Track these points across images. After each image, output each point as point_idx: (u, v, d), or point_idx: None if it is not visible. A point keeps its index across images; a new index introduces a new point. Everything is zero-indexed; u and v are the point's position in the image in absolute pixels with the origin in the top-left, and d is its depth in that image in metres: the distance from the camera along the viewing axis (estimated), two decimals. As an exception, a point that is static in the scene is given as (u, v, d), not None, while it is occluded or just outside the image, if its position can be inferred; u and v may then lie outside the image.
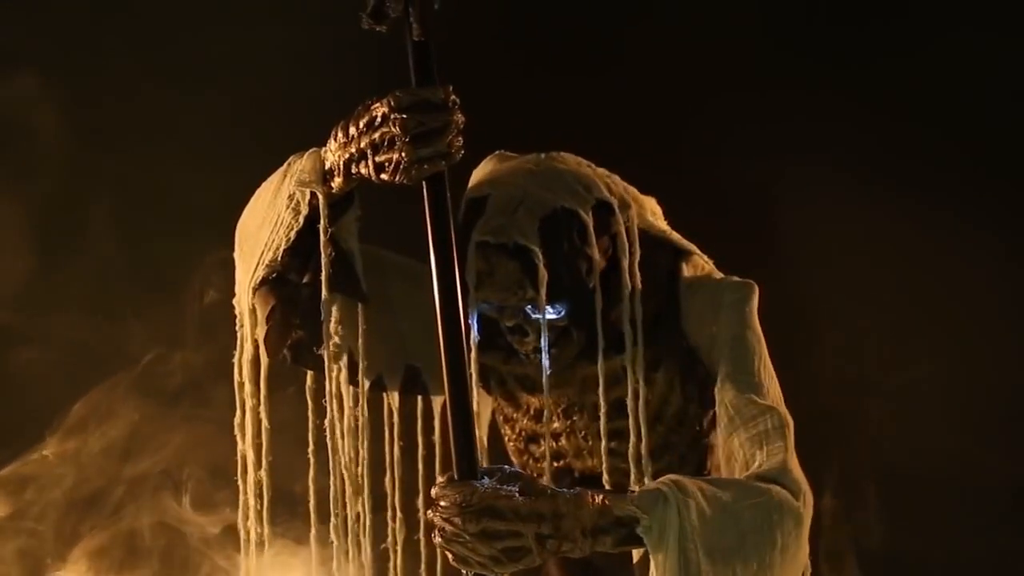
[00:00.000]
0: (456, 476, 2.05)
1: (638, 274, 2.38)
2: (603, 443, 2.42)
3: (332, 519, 2.38)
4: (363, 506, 2.42)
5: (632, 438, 2.38)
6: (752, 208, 3.45)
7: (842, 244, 3.44)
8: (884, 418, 3.47)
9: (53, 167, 3.37)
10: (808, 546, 2.28)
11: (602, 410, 2.39)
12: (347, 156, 2.12)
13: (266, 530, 2.38)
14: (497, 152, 2.46)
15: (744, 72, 3.45)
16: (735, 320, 2.39)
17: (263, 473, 2.37)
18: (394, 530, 2.53)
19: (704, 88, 3.45)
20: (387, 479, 2.52)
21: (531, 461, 2.60)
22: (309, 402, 2.40)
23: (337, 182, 2.17)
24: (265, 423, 2.36)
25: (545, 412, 2.44)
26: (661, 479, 2.11)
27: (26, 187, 3.36)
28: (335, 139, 2.15)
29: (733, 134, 3.44)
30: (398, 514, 2.52)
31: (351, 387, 2.40)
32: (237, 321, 2.38)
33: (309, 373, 2.41)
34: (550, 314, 2.34)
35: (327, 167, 2.19)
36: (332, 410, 2.34)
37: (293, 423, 2.42)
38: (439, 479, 2.06)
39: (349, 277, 2.30)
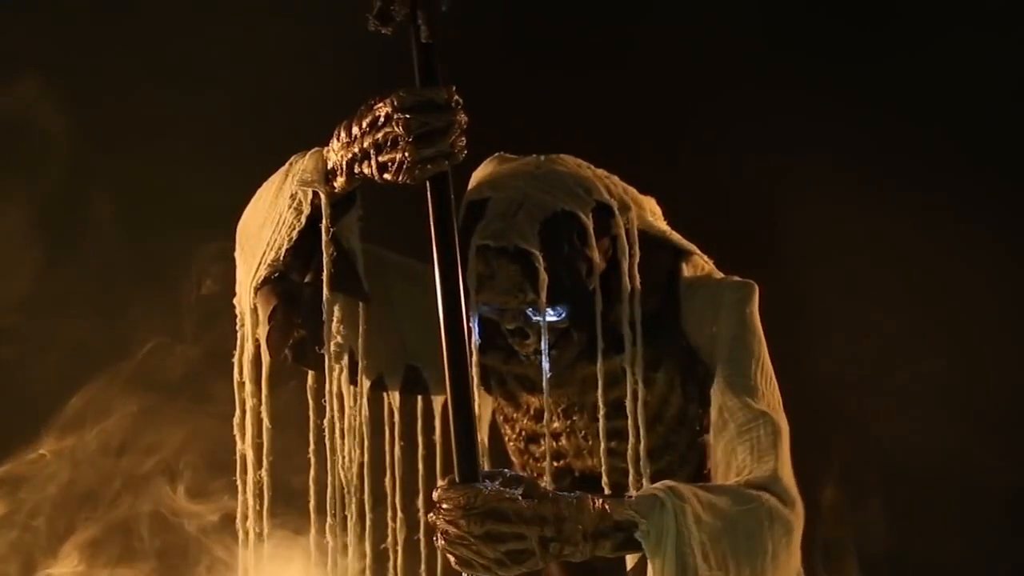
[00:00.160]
0: (457, 479, 2.05)
1: (637, 276, 2.39)
2: (602, 443, 2.43)
3: (329, 519, 2.39)
4: (358, 506, 2.42)
5: (631, 439, 2.39)
6: (752, 207, 3.45)
7: (842, 244, 3.44)
8: (884, 418, 3.47)
9: (54, 166, 3.37)
10: (800, 553, 2.31)
11: (601, 411, 2.40)
12: (350, 156, 2.13)
13: (266, 529, 2.38)
14: (497, 154, 2.46)
15: (744, 71, 3.45)
16: (734, 321, 2.40)
17: (263, 473, 2.37)
18: (394, 530, 2.53)
19: (704, 88, 3.44)
20: (387, 479, 2.52)
21: (531, 461, 2.60)
22: (310, 401, 2.41)
23: (339, 182, 2.18)
24: (266, 423, 2.36)
25: (545, 412, 2.44)
26: (657, 484, 2.14)
27: (26, 185, 3.35)
28: (338, 139, 2.16)
29: (733, 133, 3.44)
30: (398, 514, 2.52)
31: (351, 386, 2.41)
32: (238, 320, 2.38)
33: (310, 372, 2.41)
34: (550, 316, 2.35)
35: (329, 167, 2.19)
36: (332, 409, 2.34)
37: (294, 415, 2.43)
38: (440, 482, 2.07)
39: (351, 277, 2.30)
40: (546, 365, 2.36)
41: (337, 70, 3.35)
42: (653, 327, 2.41)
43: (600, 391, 2.39)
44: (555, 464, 2.55)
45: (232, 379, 2.39)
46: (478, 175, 2.42)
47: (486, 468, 2.46)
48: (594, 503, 2.07)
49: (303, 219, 2.23)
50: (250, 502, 2.37)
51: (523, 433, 2.60)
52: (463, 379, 2.07)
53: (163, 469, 3.20)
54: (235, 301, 2.39)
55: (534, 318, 2.35)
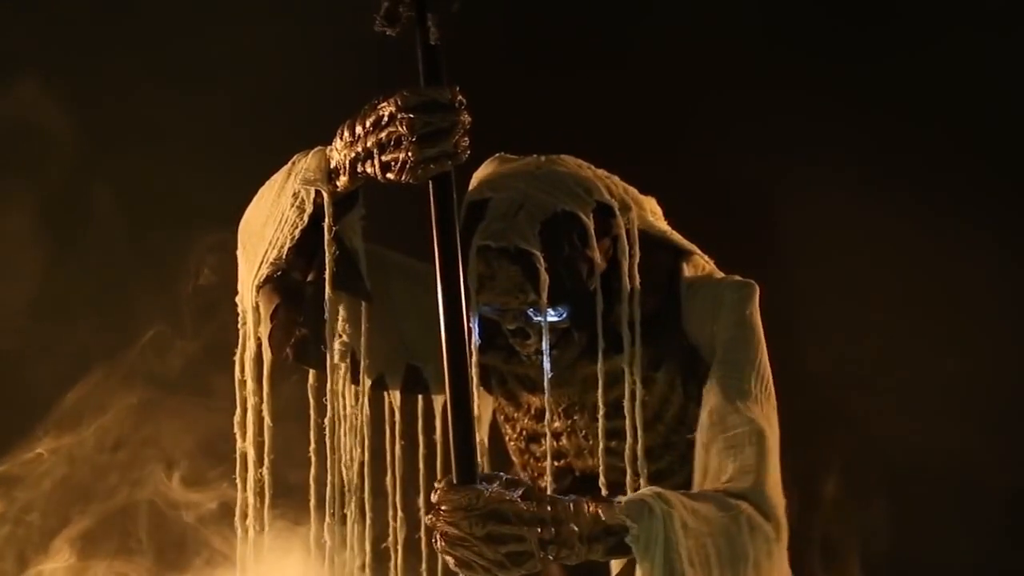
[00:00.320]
0: (455, 480, 2.06)
1: (637, 276, 2.39)
2: (601, 443, 2.43)
3: (328, 519, 2.39)
4: (358, 504, 2.42)
5: (628, 439, 2.39)
6: (752, 207, 3.45)
7: (842, 243, 3.44)
8: (884, 417, 3.47)
9: (54, 165, 3.37)
10: (786, 563, 2.31)
11: (600, 411, 2.40)
12: (353, 155, 2.13)
13: (266, 527, 2.38)
14: (497, 154, 2.47)
15: (744, 71, 3.45)
16: (734, 321, 2.40)
17: (264, 471, 2.37)
18: (395, 529, 2.53)
19: (704, 88, 3.44)
20: (388, 478, 2.52)
21: (532, 460, 2.61)
22: (311, 400, 2.41)
23: (342, 181, 2.18)
24: (267, 421, 2.36)
25: (546, 412, 2.44)
26: (644, 490, 2.18)
27: (26, 185, 3.36)
28: (341, 138, 2.16)
29: (733, 133, 3.44)
30: (399, 513, 2.52)
31: (352, 385, 2.41)
32: (240, 318, 2.38)
33: (311, 371, 2.41)
34: (551, 317, 2.35)
35: (332, 166, 2.19)
36: (333, 408, 2.35)
37: (294, 408, 2.43)
38: (437, 484, 2.07)
39: (353, 276, 2.30)
40: (547, 365, 2.36)
41: (337, 70, 3.35)
42: (654, 327, 2.41)
43: (600, 391, 2.39)
44: (555, 464, 2.56)
45: (229, 369, 2.39)
46: (479, 175, 2.43)
47: (486, 468, 2.49)
48: (588, 507, 2.09)
49: (306, 218, 2.23)
50: (250, 500, 2.38)
51: (524, 433, 2.60)
52: (462, 380, 2.07)
53: (161, 459, 3.19)
54: (237, 299, 2.39)
55: (535, 318, 2.36)
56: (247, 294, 2.34)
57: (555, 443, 2.55)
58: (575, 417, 2.53)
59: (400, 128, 2.03)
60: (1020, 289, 3.41)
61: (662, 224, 2.51)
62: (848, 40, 3.44)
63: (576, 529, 2.07)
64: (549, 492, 2.44)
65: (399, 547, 2.52)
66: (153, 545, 3.27)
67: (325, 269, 2.25)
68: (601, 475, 2.43)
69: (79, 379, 3.27)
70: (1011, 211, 3.40)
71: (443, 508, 2.03)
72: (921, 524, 3.43)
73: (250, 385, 2.36)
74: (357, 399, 2.43)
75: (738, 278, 2.47)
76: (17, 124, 3.33)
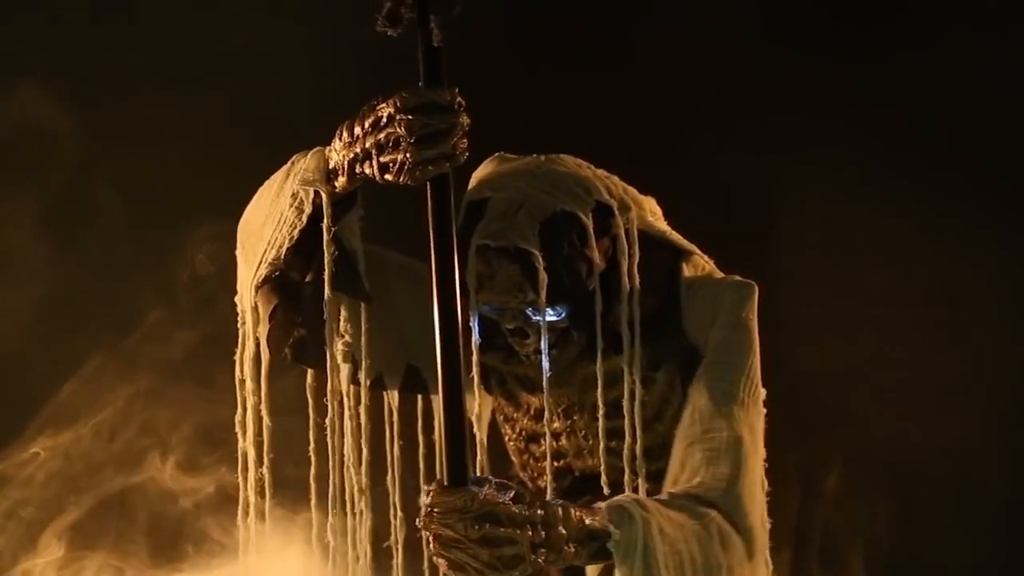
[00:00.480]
0: (447, 483, 2.06)
1: (637, 276, 2.39)
2: (601, 443, 2.43)
3: (330, 519, 2.40)
4: (357, 504, 2.42)
5: (627, 438, 2.40)
6: (752, 207, 3.45)
7: (842, 243, 3.44)
8: (884, 417, 3.47)
9: (55, 165, 3.37)
10: (763, 571, 2.32)
11: (600, 410, 2.40)
12: (352, 156, 2.13)
13: (267, 523, 2.39)
14: (497, 154, 2.47)
15: (744, 71, 3.45)
16: (729, 321, 2.41)
17: (265, 470, 2.38)
18: (395, 528, 2.53)
19: (704, 88, 3.44)
20: (388, 477, 2.52)
21: (531, 461, 2.61)
22: (310, 400, 2.41)
23: (341, 181, 2.18)
24: (267, 421, 2.37)
25: (546, 412, 2.44)
26: (622, 496, 2.20)
27: (27, 184, 3.36)
28: (340, 138, 2.16)
29: (733, 133, 3.44)
30: (399, 512, 2.52)
31: (351, 385, 2.41)
32: (239, 318, 2.38)
33: (310, 371, 2.41)
34: (550, 316, 2.35)
35: (331, 166, 2.19)
36: (333, 409, 2.35)
37: (295, 401, 2.43)
38: (427, 487, 2.07)
39: (352, 276, 2.31)
40: (546, 364, 2.36)
41: (337, 70, 3.35)
42: (654, 327, 2.41)
43: (600, 391, 2.39)
44: (555, 464, 2.56)
45: (226, 359, 2.40)
46: (478, 175, 2.43)
47: (486, 468, 2.49)
48: (574, 511, 2.10)
49: (304, 218, 2.23)
50: (251, 499, 2.38)
51: (523, 433, 2.60)
52: (455, 383, 2.07)
53: (158, 449, 3.19)
54: (236, 299, 2.40)
55: (534, 318, 2.36)
56: (246, 294, 2.34)
57: (554, 443, 2.55)
58: (574, 417, 2.53)
59: (399, 129, 2.03)
60: (1020, 289, 3.41)
61: (662, 224, 2.51)
62: (848, 40, 3.44)
63: (564, 533, 2.07)
64: (549, 492, 2.46)
65: (399, 546, 2.52)
66: (150, 536, 3.27)
67: (323, 269, 2.25)
68: (603, 475, 2.43)
69: (78, 371, 3.28)
70: (1011, 211, 3.40)
71: (436, 510, 2.03)
72: (921, 523, 3.43)
73: (249, 385, 2.36)
74: (356, 399, 2.43)
75: (738, 278, 2.48)
76: (18, 124, 3.33)
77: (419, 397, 2.57)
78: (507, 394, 2.59)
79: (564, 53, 3.47)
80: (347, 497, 2.41)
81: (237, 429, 2.39)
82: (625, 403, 2.40)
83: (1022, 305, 3.43)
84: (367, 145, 2.09)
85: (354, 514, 2.43)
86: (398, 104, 2.03)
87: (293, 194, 2.24)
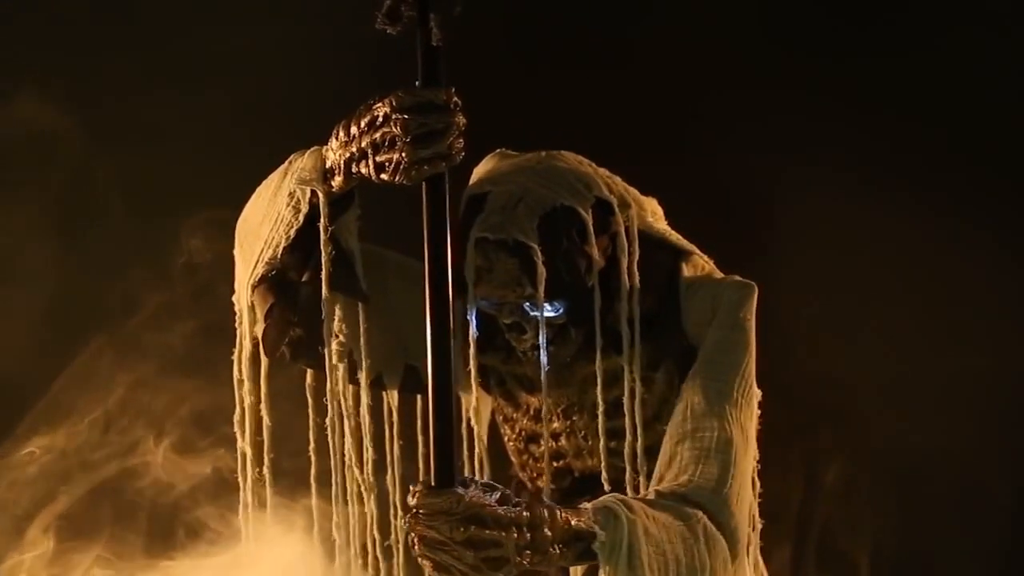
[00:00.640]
0: (434, 483, 2.05)
1: (636, 274, 2.38)
2: (601, 442, 2.43)
3: (335, 517, 2.41)
4: (352, 505, 2.43)
5: (628, 436, 2.39)
6: (752, 207, 3.45)
7: (842, 243, 3.44)
8: (884, 417, 3.47)
9: (55, 165, 3.38)
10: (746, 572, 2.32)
11: (600, 408, 2.40)
12: (348, 155, 2.13)
13: (268, 520, 2.39)
14: (498, 150, 2.47)
15: (744, 71, 3.45)
16: (726, 321, 2.40)
17: (265, 469, 2.38)
18: (396, 528, 2.53)
19: (704, 88, 3.45)
20: (387, 477, 2.52)
21: (531, 461, 2.60)
22: (309, 399, 2.41)
23: (337, 181, 2.18)
24: (266, 420, 2.37)
25: (543, 409, 2.44)
26: (607, 496, 2.18)
27: (27, 184, 3.36)
28: (336, 138, 2.16)
29: (733, 133, 3.44)
30: (399, 512, 2.52)
31: (350, 385, 2.41)
32: (237, 318, 2.38)
33: (309, 371, 2.42)
34: (548, 312, 2.35)
35: (328, 166, 2.19)
36: (333, 409, 2.35)
37: (292, 391, 2.43)
38: (413, 488, 2.07)
39: (349, 276, 2.30)
40: (544, 358, 2.36)
41: (337, 70, 3.35)
42: (653, 327, 2.41)
43: (599, 390, 2.39)
44: (555, 464, 2.56)
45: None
46: (479, 171, 2.43)
47: (486, 468, 2.49)
48: (560, 512, 2.10)
49: (301, 217, 2.23)
50: (250, 498, 2.38)
51: (523, 433, 2.60)
52: (444, 384, 2.06)
53: (154, 439, 3.19)
54: (233, 299, 2.40)
55: (532, 313, 2.36)
56: (243, 293, 2.34)
57: (554, 444, 2.55)
58: (574, 418, 2.53)
59: (394, 129, 2.02)
60: (1020, 288, 3.41)
61: (662, 224, 2.51)
62: (848, 40, 3.44)
63: (550, 534, 2.07)
64: (548, 492, 2.46)
65: (400, 545, 2.52)
66: (147, 526, 3.27)
67: (321, 269, 2.25)
68: (604, 473, 2.43)
69: (73, 362, 3.28)
70: (1011, 211, 3.40)
71: (422, 511, 2.02)
72: (921, 522, 3.44)
73: (247, 384, 2.36)
74: (355, 398, 2.42)
75: (738, 278, 2.47)
76: (17, 124, 3.34)
77: (419, 397, 2.57)
78: (506, 394, 2.59)
79: (564, 53, 3.47)
80: (348, 497, 2.41)
81: (236, 429, 2.39)
82: (626, 400, 2.40)
83: (1022, 305, 3.43)
84: (363, 144, 2.09)
85: (355, 512, 2.43)
86: (394, 103, 2.03)
87: (290, 193, 2.24)
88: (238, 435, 2.39)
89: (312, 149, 2.24)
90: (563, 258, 2.32)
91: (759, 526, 2.41)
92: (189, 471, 3.12)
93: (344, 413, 2.37)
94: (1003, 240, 3.38)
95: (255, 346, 2.35)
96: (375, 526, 2.45)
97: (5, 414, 3.29)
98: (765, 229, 3.45)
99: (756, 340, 2.41)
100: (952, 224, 3.37)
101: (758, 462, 2.42)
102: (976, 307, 3.42)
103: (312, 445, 2.42)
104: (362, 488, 2.41)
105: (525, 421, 2.58)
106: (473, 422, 2.53)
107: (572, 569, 2.42)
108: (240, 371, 2.37)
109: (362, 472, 2.41)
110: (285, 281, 2.29)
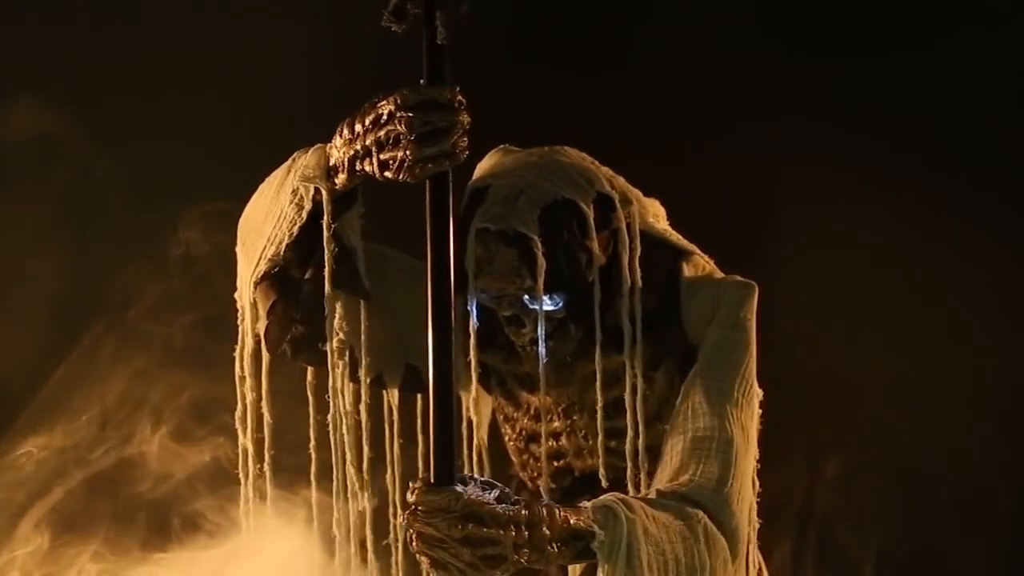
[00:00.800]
0: (433, 481, 2.06)
1: (638, 270, 2.39)
2: (600, 439, 2.43)
3: (335, 514, 2.41)
4: (351, 503, 2.43)
5: (630, 432, 2.40)
6: (752, 207, 3.45)
7: (842, 243, 3.44)
8: (884, 416, 3.48)
9: (53, 163, 3.38)
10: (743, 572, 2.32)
11: (599, 405, 2.41)
12: (352, 153, 2.13)
13: (268, 514, 2.40)
14: (501, 146, 2.47)
15: (744, 71, 3.45)
16: (727, 321, 2.40)
17: (266, 467, 2.38)
18: (395, 527, 2.54)
19: (704, 88, 3.45)
20: (387, 476, 2.53)
21: (531, 460, 2.61)
22: (310, 397, 2.42)
23: (341, 178, 2.18)
24: (267, 418, 2.37)
25: (540, 398, 2.44)
26: (608, 495, 2.18)
27: (27, 184, 3.37)
28: (340, 135, 2.16)
29: (733, 133, 3.44)
30: (399, 511, 2.52)
31: (350, 383, 2.41)
32: (239, 315, 2.39)
33: (310, 368, 2.42)
34: (547, 305, 2.35)
35: (331, 163, 2.19)
36: (335, 406, 2.35)
37: (296, 388, 2.44)
38: (413, 484, 2.07)
39: (351, 274, 2.30)
40: (543, 350, 2.36)
41: (337, 70, 3.35)
42: (654, 326, 2.41)
43: (599, 389, 2.39)
44: (555, 464, 2.56)
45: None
46: (482, 166, 2.44)
47: (487, 468, 2.49)
48: (559, 511, 2.10)
49: (304, 214, 2.23)
50: (251, 493, 2.39)
51: (523, 432, 2.60)
52: (445, 381, 2.06)
53: (152, 430, 3.19)
54: (235, 295, 2.40)
55: (531, 305, 2.36)
56: (245, 290, 2.35)
57: (555, 443, 2.55)
58: (574, 417, 2.53)
59: (399, 127, 2.03)
60: (1020, 288, 3.42)
61: (663, 225, 2.51)
62: (848, 40, 3.44)
63: (548, 533, 2.07)
64: (548, 492, 2.46)
65: (399, 544, 2.53)
66: (145, 518, 3.27)
67: (323, 267, 2.25)
68: (602, 473, 2.44)
69: (72, 357, 3.29)
70: (1011, 211, 3.40)
71: (420, 509, 2.03)
72: (922, 520, 3.44)
73: (249, 381, 2.37)
74: (355, 396, 2.43)
75: (738, 278, 2.47)
76: (18, 124, 3.34)
77: (419, 397, 2.57)
78: (507, 393, 2.59)
79: (564, 52, 3.47)
80: (349, 494, 2.41)
81: (237, 425, 2.39)
82: (627, 396, 2.40)
83: (1022, 304, 3.43)
84: (367, 142, 2.09)
85: (355, 510, 2.44)
86: (399, 101, 2.03)
87: (293, 191, 2.24)
88: (239, 431, 2.39)
89: (316, 146, 2.25)
90: (563, 251, 2.33)
91: (757, 525, 2.41)
92: (187, 462, 3.12)
93: (345, 411, 2.38)
94: (1003, 239, 3.39)
95: (257, 343, 2.36)
96: (372, 523, 2.46)
97: (4, 411, 3.29)
98: (765, 229, 3.45)
99: (756, 340, 2.41)
100: (952, 224, 3.37)
101: (758, 461, 2.42)
102: (976, 307, 3.42)
103: (312, 442, 2.42)
104: (360, 486, 2.41)
105: (526, 420, 2.58)
106: (475, 426, 2.54)
107: (571, 568, 2.42)
108: (242, 368, 2.37)
109: (360, 470, 2.41)
110: (288, 278, 2.30)
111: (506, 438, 2.67)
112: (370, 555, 2.46)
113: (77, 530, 3.20)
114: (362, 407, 2.43)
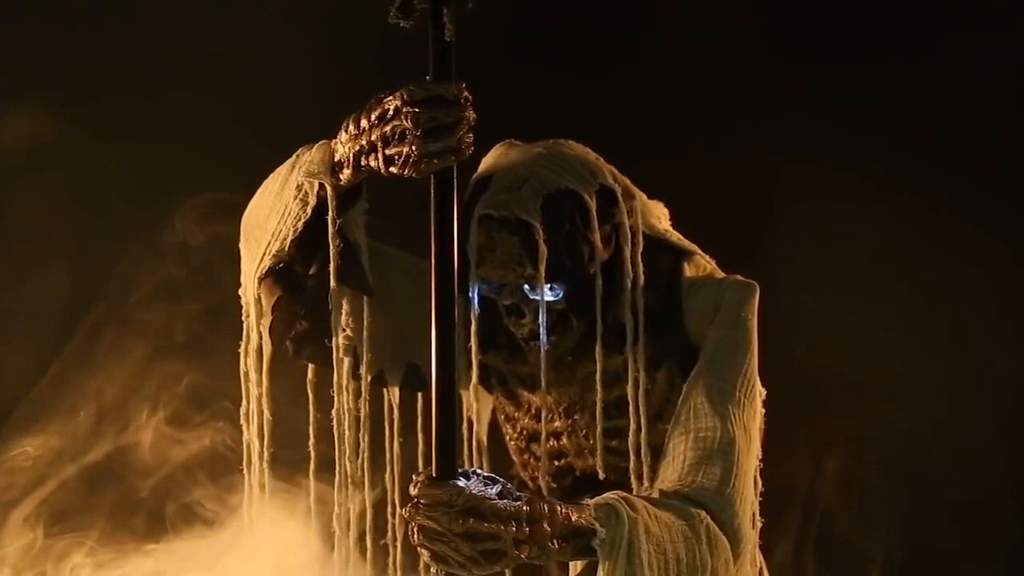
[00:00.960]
0: (435, 474, 2.06)
1: (640, 264, 2.39)
2: (599, 432, 2.43)
3: (336, 508, 2.41)
4: (353, 499, 2.43)
5: (632, 426, 2.40)
6: (752, 207, 3.45)
7: (842, 243, 3.44)
8: (883, 416, 3.48)
9: (53, 163, 3.38)
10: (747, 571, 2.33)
11: (598, 405, 2.41)
12: (357, 148, 2.13)
13: (268, 506, 2.40)
14: (507, 140, 2.48)
15: (744, 71, 3.45)
16: (728, 321, 2.41)
17: (266, 464, 2.39)
18: (394, 526, 2.54)
19: (704, 88, 3.45)
20: (387, 474, 2.53)
21: (532, 460, 2.61)
22: (310, 395, 2.41)
23: (346, 174, 2.18)
24: (267, 415, 2.37)
25: (541, 393, 2.44)
26: (610, 493, 2.17)
27: (27, 184, 3.37)
28: (346, 131, 2.16)
29: (733, 133, 3.45)
30: (398, 510, 2.52)
31: (351, 381, 2.41)
32: (243, 311, 2.39)
33: (310, 366, 2.42)
34: (548, 296, 2.35)
35: (336, 159, 2.20)
36: (339, 403, 2.35)
37: (296, 384, 2.44)
38: (416, 477, 2.07)
39: (356, 270, 2.31)
40: (544, 339, 2.36)
41: (337, 69, 3.35)
42: (655, 326, 2.42)
43: (599, 388, 2.40)
44: (556, 463, 2.56)
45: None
46: (488, 159, 2.44)
47: (486, 468, 2.49)
48: (560, 508, 2.10)
49: (309, 210, 2.24)
50: (256, 487, 2.39)
51: (524, 432, 2.60)
52: (448, 377, 2.07)
53: (150, 422, 3.20)
54: (240, 291, 2.40)
55: (531, 296, 2.36)
56: (249, 286, 2.35)
57: (556, 443, 2.56)
58: (575, 416, 2.53)
59: (405, 122, 2.03)
60: (1020, 287, 3.42)
61: (665, 225, 2.52)
62: (848, 40, 3.45)
63: (548, 529, 2.07)
64: (547, 492, 2.46)
65: (398, 543, 2.53)
66: (145, 507, 3.28)
67: (327, 263, 2.26)
68: (601, 473, 2.44)
69: (65, 341, 3.29)
70: (1011, 211, 3.40)
71: (422, 502, 2.03)
72: (922, 519, 3.44)
73: (253, 376, 2.37)
74: (356, 393, 2.43)
75: (739, 278, 2.48)
76: (19, 124, 3.34)
77: (419, 395, 2.57)
78: (508, 393, 2.59)
79: (565, 52, 3.47)
80: (349, 490, 2.42)
81: (242, 421, 2.40)
82: (629, 390, 2.40)
83: (1022, 304, 3.44)
84: (373, 138, 2.09)
85: (355, 509, 2.44)
86: (405, 97, 2.03)
87: (298, 186, 2.25)
88: (244, 427, 2.40)
89: (320, 142, 2.25)
90: (565, 240, 2.34)
91: (759, 525, 2.41)
92: (185, 448, 3.12)
93: (348, 408, 2.38)
94: (1003, 239, 3.39)
95: (261, 339, 2.36)
96: (372, 518, 2.46)
97: (3, 406, 3.29)
98: (765, 229, 3.45)
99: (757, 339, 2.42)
100: (952, 224, 3.37)
101: (760, 460, 2.42)
102: (976, 307, 3.42)
103: (312, 440, 2.42)
104: (361, 481, 2.41)
105: (527, 420, 2.58)
106: (475, 425, 2.54)
107: (571, 565, 2.42)
108: (247, 364, 2.38)
109: (359, 467, 2.41)
110: (292, 274, 2.31)
111: (507, 437, 2.67)
112: (368, 549, 2.46)
113: (76, 520, 3.21)
114: (363, 404, 2.43)
